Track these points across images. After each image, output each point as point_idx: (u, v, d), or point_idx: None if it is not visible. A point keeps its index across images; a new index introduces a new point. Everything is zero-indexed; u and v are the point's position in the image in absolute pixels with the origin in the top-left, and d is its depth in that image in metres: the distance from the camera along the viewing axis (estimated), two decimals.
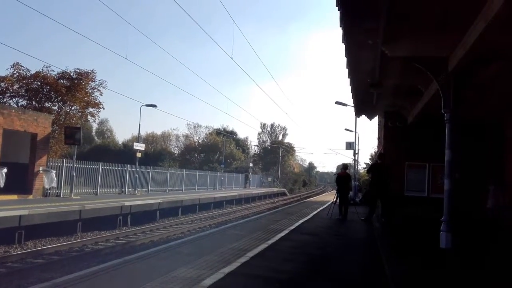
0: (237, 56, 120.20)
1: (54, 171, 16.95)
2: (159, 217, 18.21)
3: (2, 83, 22.97)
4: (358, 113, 16.22)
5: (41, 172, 16.50)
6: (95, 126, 63.05)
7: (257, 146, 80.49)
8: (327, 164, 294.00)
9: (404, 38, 7.38)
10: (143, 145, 25.81)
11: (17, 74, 23.11)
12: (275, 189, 48.38)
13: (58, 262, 9.52)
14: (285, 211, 16.52)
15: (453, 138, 7.83)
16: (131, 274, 5.17)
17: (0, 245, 10.55)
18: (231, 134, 60.82)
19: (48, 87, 23.40)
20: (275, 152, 71.80)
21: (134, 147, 23.60)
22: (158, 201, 18.40)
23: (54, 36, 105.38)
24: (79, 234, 13.14)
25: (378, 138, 20.71)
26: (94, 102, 25.03)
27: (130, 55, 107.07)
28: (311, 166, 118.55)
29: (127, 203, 15.98)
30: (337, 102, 24.47)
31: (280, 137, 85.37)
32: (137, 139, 31.36)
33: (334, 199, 13.92)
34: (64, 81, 24.00)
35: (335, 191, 14.03)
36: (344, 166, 14.53)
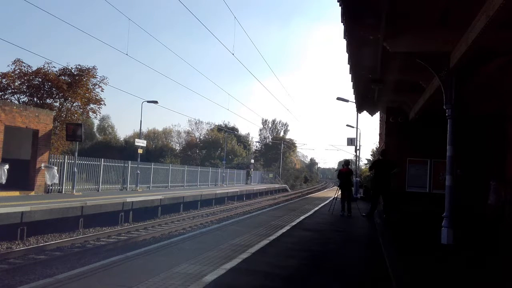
0: (238, 52, 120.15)
1: (56, 168, 16.98)
2: (161, 213, 18.26)
3: (4, 80, 22.99)
4: (359, 109, 16.21)
5: (43, 168, 16.54)
6: (96, 122, 63.27)
7: (258, 142, 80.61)
8: (329, 160, 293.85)
9: (406, 33, 7.37)
10: (145, 142, 25.83)
11: (18, 70, 23.12)
12: (277, 185, 48.39)
13: (60, 258, 9.54)
14: (286, 207, 16.54)
15: (455, 134, 7.82)
16: (133, 270, 5.18)
17: (2, 242, 10.59)
18: (232, 130, 60.75)
19: (49, 83, 23.41)
20: (276, 148, 71.81)
21: (136, 144, 23.61)
22: (160, 197, 18.43)
23: (55, 32, 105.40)
24: (81, 230, 13.19)
25: (380, 134, 20.68)
26: (96, 98, 25.04)
27: (131, 51, 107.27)
28: (313, 162, 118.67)
29: (128, 199, 16.02)
30: (338, 98, 24.42)
31: (282, 133, 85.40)
32: (139, 135, 31.38)
33: (336, 195, 13.93)
34: (65, 78, 24.00)
35: (337, 187, 14.02)
36: (346, 162, 14.50)
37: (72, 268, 7.47)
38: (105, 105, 26.02)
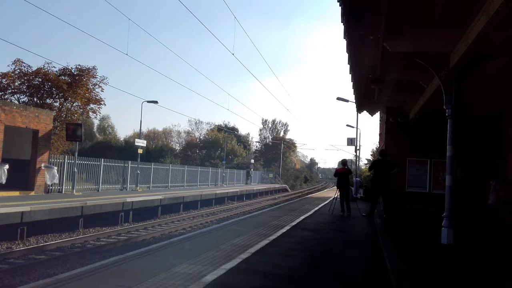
0: (238, 52, 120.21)
1: (55, 168, 16.98)
2: (161, 213, 18.27)
3: (4, 80, 23.00)
4: (359, 109, 16.21)
5: (43, 168, 16.54)
6: (96, 122, 63.35)
7: (258, 142, 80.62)
8: (329, 160, 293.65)
9: (406, 33, 7.37)
10: (145, 142, 25.82)
11: (18, 70, 23.14)
12: (277, 185, 48.38)
13: (60, 258, 9.55)
14: (286, 207, 16.53)
15: (455, 134, 7.82)
16: (133, 270, 5.18)
17: (2, 242, 10.60)
18: (232, 130, 60.72)
19: (49, 83, 23.41)
20: (276, 148, 71.82)
21: (136, 144, 23.62)
22: (160, 197, 18.43)
23: (55, 32, 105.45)
24: (81, 230, 13.19)
25: (380, 134, 20.69)
26: (95, 98, 25.06)
27: (131, 51, 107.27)
28: (313, 162, 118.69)
29: (128, 199, 16.02)
30: (338, 98, 24.41)
31: (282, 133, 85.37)
32: (139, 135, 31.38)
33: (336, 195, 13.90)
34: (65, 78, 24.01)
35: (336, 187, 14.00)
36: (343, 162, 14.45)
37: (72, 268, 7.47)
38: (105, 105, 26.08)
